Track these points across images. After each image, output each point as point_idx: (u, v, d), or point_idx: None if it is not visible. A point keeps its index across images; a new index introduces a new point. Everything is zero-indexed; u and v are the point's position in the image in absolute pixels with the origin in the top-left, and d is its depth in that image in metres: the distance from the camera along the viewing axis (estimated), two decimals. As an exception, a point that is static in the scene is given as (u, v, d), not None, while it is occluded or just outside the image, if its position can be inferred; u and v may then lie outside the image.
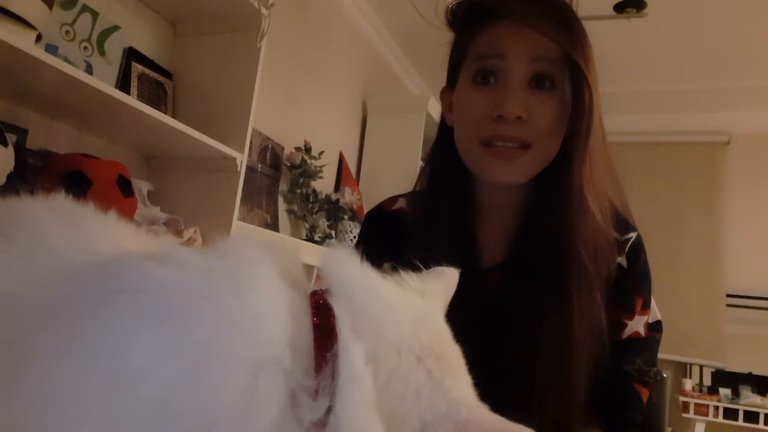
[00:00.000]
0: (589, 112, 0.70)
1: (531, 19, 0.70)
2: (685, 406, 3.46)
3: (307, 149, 2.41)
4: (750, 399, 3.37)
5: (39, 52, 1.07)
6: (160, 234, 1.45)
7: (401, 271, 0.43)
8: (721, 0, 2.60)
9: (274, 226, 2.29)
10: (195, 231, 1.57)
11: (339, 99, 2.87)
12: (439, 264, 0.48)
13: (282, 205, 2.40)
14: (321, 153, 2.45)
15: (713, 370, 3.59)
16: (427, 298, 0.42)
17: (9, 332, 0.34)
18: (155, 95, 1.68)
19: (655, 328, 0.80)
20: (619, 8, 2.66)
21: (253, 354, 0.32)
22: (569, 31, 0.71)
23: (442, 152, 0.84)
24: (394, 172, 2.74)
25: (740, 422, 3.33)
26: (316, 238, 2.40)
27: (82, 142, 1.51)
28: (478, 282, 0.77)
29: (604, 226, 0.73)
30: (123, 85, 1.59)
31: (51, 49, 1.37)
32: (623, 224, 0.79)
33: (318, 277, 0.41)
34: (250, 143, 1.76)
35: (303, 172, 2.38)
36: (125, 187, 1.35)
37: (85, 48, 1.50)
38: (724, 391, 3.46)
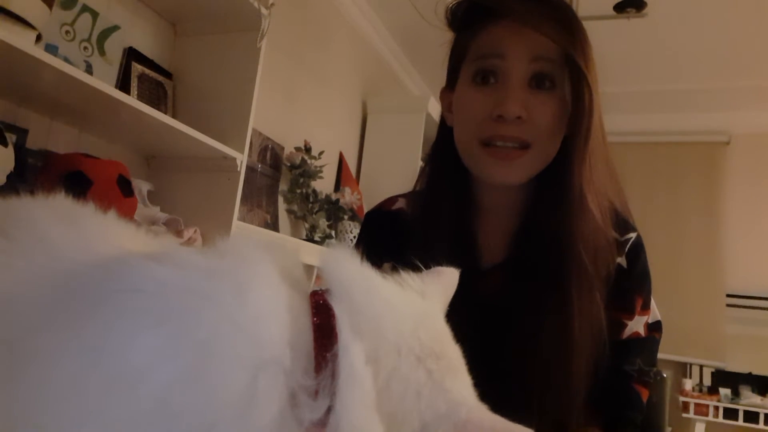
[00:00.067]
0: (589, 112, 0.70)
1: (531, 19, 0.70)
2: (685, 406, 3.46)
3: (307, 149, 2.41)
4: (750, 399, 3.37)
5: (39, 52, 1.07)
6: (160, 234, 1.45)
7: (401, 271, 0.43)
8: (721, 0, 2.60)
9: (274, 226, 2.29)
10: (195, 231, 1.57)
11: (339, 99, 2.87)
12: (439, 264, 0.48)
13: (282, 205, 2.40)
14: (321, 153, 2.45)
15: (713, 370, 3.59)
16: (427, 298, 0.42)
17: (9, 332, 0.34)
18: (155, 95, 1.68)
19: (654, 328, 0.80)
20: (619, 8, 2.66)
21: (253, 354, 0.32)
22: (569, 31, 0.71)
23: (442, 152, 0.84)
24: (394, 172, 2.74)
25: (740, 422, 3.33)
26: (316, 238, 2.40)
27: (82, 142, 1.51)
28: (478, 282, 0.77)
29: (603, 226, 0.73)
30: (123, 85, 1.59)
31: (51, 49, 1.37)
32: (623, 224, 0.79)
33: (318, 277, 0.41)
34: (250, 143, 1.76)
35: (303, 172, 2.38)
36: (125, 187, 1.35)
37: (85, 48, 1.50)
38: (724, 391, 3.46)
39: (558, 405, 0.71)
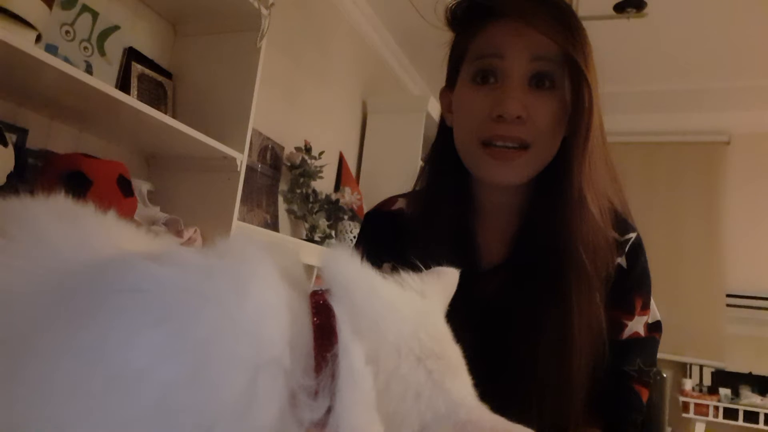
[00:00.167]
0: (588, 112, 0.70)
1: (531, 19, 0.70)
2: (685, 406, 3.46)
3: (307, 149, 2.41)
4: (750, 399, 3.37)
5: (39, 52, 1.07)
6: (160, 234, 1.45)
7: (401, 272, 0.43)
8: (721, 0, 2.60)
9: (274, 226, 2.29)
10: (195, 231, 1.57)
11: (339, 99, 2.87)
12: (439, 264, 0.48)
13: (282, 205, 2.40)
14: (321, 153, 2.45)
15: (713, 370, 3.59)
16: (427, 299, 0.42)
17: (9, 332, 0.34)
18: (155, 95, 1.68)
19: (654, 328, 0.80)
20: (619, 8, 2.66)
21: (253, 354, 0.32)
22: (569, 31, 0.71)
23: (442, 152, 0.84)
24: (394, 172, 2.74)
25: (740, 422, 3.33)
26: (316, 238, 2.40)
27: (82, 142, 1.51)
28: (478, 282, 0.78)
29: (603, 226, 0.73)
30: (123, 85, 1.59)
31: (51, 49, 1.37)
32: (623, 224, 0.79)
33: (318, 277, 0.41)
34: (250, 143, 1.76)
35: (303, 172, 2.38)
36: (125, 187, 1.35)
37: (85, 48, 1.50)
38: (724, 391, 3.46)
39: (558, 405, 0.71)
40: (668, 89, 3.58)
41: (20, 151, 1.28)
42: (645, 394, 0.77)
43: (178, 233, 1.53)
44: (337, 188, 2.74)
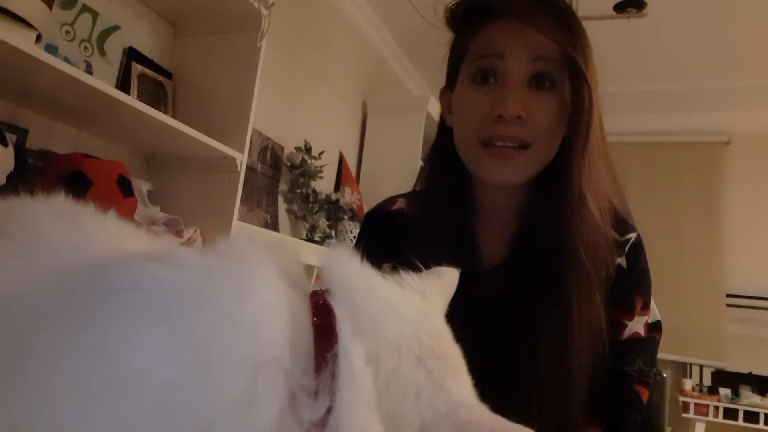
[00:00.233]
0: (588, 112, 0.70)
1: (530, 19, 0.70)
2: (685, 406, 3.46)
3: (307, 149, 2.41)
4: (750, 399, 3.37)
5: (39, 52, 1.07)
6: (160, 234, 1.45)
7: (401, 272, 0.43)
8: (721, 0, 2.60)
9: (274, 226, 2.29)
10: (195, 231, 1.57)
11: (339, 99, 2.87)
12: (439, 264, 0.48)
13: (282, 205, 2.40)
14: (321, 153, 2.45)
15: (713, 370, 3.59)
16: (427, 299, 0.42)
17: (9, 332, 0.34)
18: (155, 95, 1.68)
19: (654, 328, 0.80)
20: (619, 8, 2.66)
21: (253, 354, 0.32)
22: (569, 31, 0.71)
23: (442, 152, 0.84)
24: (394, 172, 2.74)
25: (740, 422, 3.33)
26: (316, 238, 2.40)
27: (82, 142, 1.51)
28: (478, 283, 0.78)
29: (603, 226, 0.73)
30: (123, 85, 1.59)
31: (51, 49, 1.37)
32: (623, 224, 0.79)
33: (318, 277, 0.41)
34: (250, 143, 1.76)
35: (303, 172, 2.38)
36: (125, 187, 1.35)
37: (85, 48, 1.50)
38: (724, 391, 3.46)
39: (558, 405, 0.71)
40: (668, 89, 3.58)
41: (20, 151, 1.28)
42: (645, 394, 0.77)
43: (178, 233, 1.53)
44: (337, 188, 2.74)
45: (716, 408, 3.39)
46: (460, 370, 0.38)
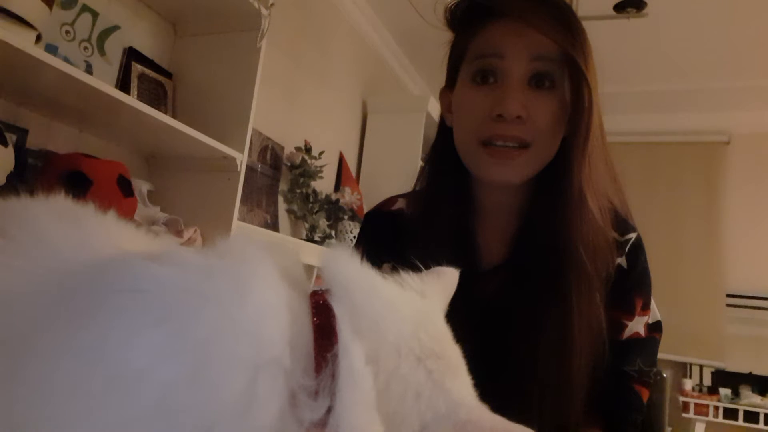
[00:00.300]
0: (588, 112, 0.70)
1: (530, 18, 0.70)
2: (685, 406, 3.46)
3: (307, 149, 2.41)
4: (750, 399, 3.37)
5: (39, 52, 1.07)
6: (160, 234, 1.45)
7: (401, 272, 0.43)
8: (721, 0, 2.60)
9: (274, 226, 2.29)
10: (195, 231, 1.57)
11: (339, 99, 2.87)
12: (439, 264, 0.48)
13: (282, 205, 2.40)
14: (321, 153, 2.45)
15: (713, 370, 3.59)
16: (427, 299, 0.42)
17: (8, 332, 0.34)
18: (155, 95, 1.68)
19: (654, 328, 0.80)
20: (619, 8, 2.66)
21: (253, 354, 0.32)
22: (569, 31, 0.71)
23: (442, 152, 0.84)
24: (394, 172, 2.74)
25: (740, 422, 3.33)
26: (316, 238, 2.40)
27: (82, 142, 1.51)
28: (478, 283, 0.78)
29: (603, 226, 0.73)
30: (123, 85, 1.59)
31: (51, 49, 1.37)
32: (623, 224, 0.79)
33: (318, 277, 0.41)
34: (250, 143, 1.76)
35: (303, 172, 2.38)
36: (125, 187, 1.35)
37: (85, 48, 1.50)
38: (724, 391, 3.46)
39: (558, 405, 0.71)
40: (668, 89, 3.58)
41: (20, 151, 1.28)
42: (645, 395, 0.77)
43: (178, 233, 1.53)
44: (337, 188, 2.74)
45: (716, 408, 3.39)
46: (460, 370, 0.38)
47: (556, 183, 0.74)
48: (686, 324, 3.53)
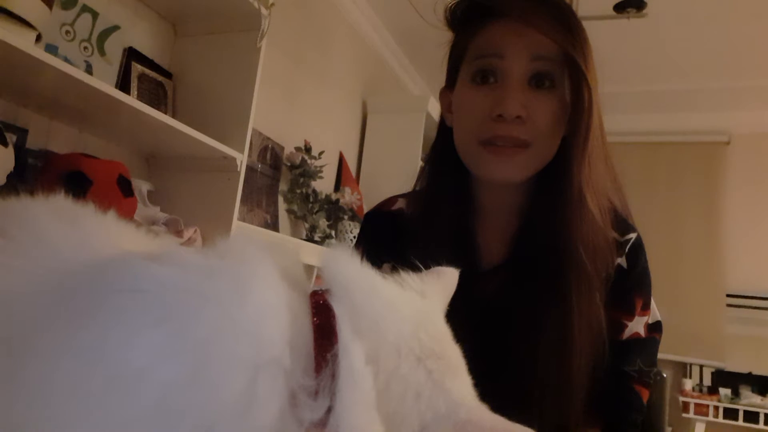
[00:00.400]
0: (588, 112, 0.70)
1: (530, 18, 0.70)
2: (685, 406, 3.46)
3: (307, 149, 2.41)
4: (750, 399, 3.37)
5: (39, 52, 1.07)
6: (160, 234, 1.45)
7: (401, 272, 0.43)
8: (721, 0, 2.60)
9: (274, 226, 2.29)
10: (195, 231, 1.57)
11: (339, 99, 2.87)
12: (439, 264, 0.48)
13: (282, 205, 2.40)
14: (321, 153, 2.45)
15: (713, 370, 3.59)
16: (427, 299, 0.42)
17: (8, 332, 0.34)
18: (155, 95, 1.68)
19: (654, 328, 0.80)
20: (619, 8, 2.66)
21: (253, 354, 0.32)
22: (569, 30, 0.71)
23: (442, 152, 0.84)
24: (394, 172, 2.74)
25: (740, 422, 3.33)
26: (316, 238, 2.40)
27: (82, 142, 1.51)
28: (478, 283, 0.78)
29: (603, 226, 0.73)
30: (123, 85, 1.59)
31: (51, 49, 1.37)
32: (623, 224, 0.79)
33: (318, 277, 0.41)
34: (250, 143, 1.76)
35: (303, 172, 2.38)
36: (125, 187, 1.35)
37: (85, 48, 1.50)
38: (724, 391, 3.46)
39: (558, 405, 0.71)
40: (668, 89, 3.58)
41: (20, 151, 1.28)
42: (645, 395, 0.77)
43: (178, 233, 1.53)
44: (337, 188, 2.74)
45: (716, 408, 3.39)
46: (460, 370, 0.38)
47: (556, 183, 0.74)
48: (686, 324, 3.53)
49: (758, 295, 3.54)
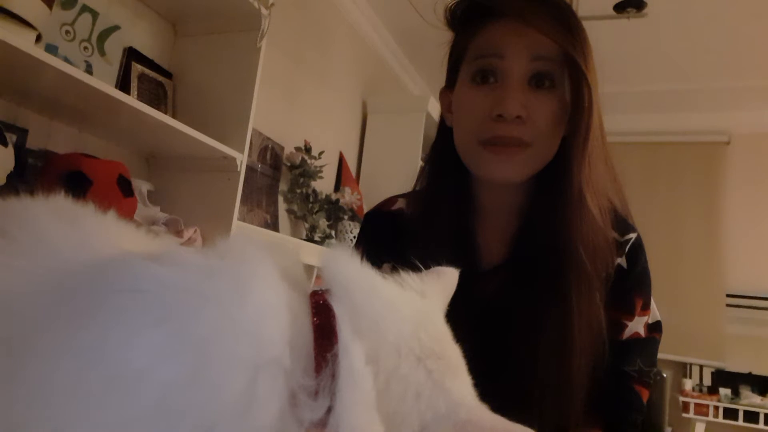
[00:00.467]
0: (588, 112, 0.70)
1: (530, 18, 0.70)
2: (685, 406, 3.46)
3: (307, 149, 2.41)
4: (750, 399, 3.37)
5: (39, 52, 1.07)
6: (160, 234, 1.45)
7: (401, 272, 0.43)
8: (721, 0, 2.60)
9: (274, 226, 2.29)
10: (195, 231, 1.57)
11: (339, 99, 2.87)
12: (439, 264, 0.48)
13: (282, 205, 2.40)
14: (321, 153, 2.45)
15: (713, 370, 3.59)
16: (427, 299, 0.42)
17: (8, 332, 0.34)
18: (155, 95, 1.68)
19: (654, 328, 0.80)
20: (619, 8, 2.66)
21: (253, 354, 0.32)
22: (569, 30, 0.71)
23: (442, 152, 0.83)
24: (394, 172, 2.74)
25: (740, 422, 3.33)
26: (316, 238, 2.40)
27: (82, 142, 1.51)
28: (478, 283, 0.77)
29: (603, 226, 0.73)
30: (123, 85, 1.59)
31: (51, 49, 1.37)
32: (623, 224, 0.79)
33: (318, 277, 0.41)
34: (250, 143, 1.76)
35: (303, 172, 2.38)
36: (125, 187, 1.35)
37: (85, 48, 1.50)
38: (724, 391, 3.46)
39: (558, 405, 0.71)
40: (668, 89, 3.58)
41: (20, 151, 1.28)
42: (645, 395, 0.77)
43: (178, 233, 1.53)
44: (337, 188, 2.74)
45: (716, 408, 3.39)
46: (460, 370, 0.38)
47: (556, 183, 0.74)
48: (686, 324, 3.53)
49: (758, 295, 3.54)
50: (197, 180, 1.65)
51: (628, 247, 0.78)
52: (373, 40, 3.14)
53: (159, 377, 0.30)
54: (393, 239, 0.82)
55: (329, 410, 0.32)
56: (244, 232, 1.86)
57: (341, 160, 2.85)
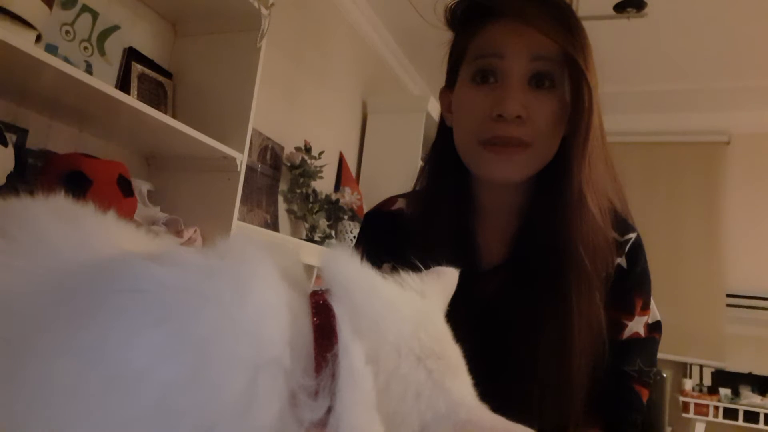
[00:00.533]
0: (588, 112, 0.70)
1: (530, 18, 0.70)
2: (685, 406, 3.46)
3: (307, 149, 2.41)
4: (750, 399, 3.37)
5: (39, 52, 1.07)
6: (160, 234, 1.45)
7: (401, 272, 0.43)
8: (722, 0, 2.60)
9: (274, 226, 2.29)
10: (195, 231, 1.57)
11: (339, 99, 2.87)
12: (439, 264, 0.48)
13: (282, 205, 2.40)
14: (321, 153, 2.45)
15: (713, 370, 3.59)
16: (427, 299, 0.42)
17: (9, 332, 0.34)
18: (155, 95, 1.68)
19: (654, 328, 0.80)
20: (619, 8, 2.67)
21: (253, 354, 0.32)
22: (569, 30, 0.71)
23: (442, 152, 0.83)
24: (394, 172, 2.74)
25: (740, 422, 3.33)
26: (316, 238, 2.40)
27: (82, 142, 1.51)
28: (478, 283, 0.77)
29: (603, 226, 0.73)
30: (123, 85, 1.59)
31: (51, 49, 1.37)
32: (623, 224, 0.79)
33: (318, 277, 0.41)
34: (250, 143, 1.76)
35: (303, 172, 2.38)
36: (125, 187, 1.35)
37: (85, 48, 1.50)
38: (724, 391, 3.46)
39: (558, 405, 0.71)
40: (668, 89, 3.58)
41: (20, 151, 1.28)
42: (645, 395, 0.77)
43: (178, 233, 1.53)
44: (337, 188, 2.74)
45: (716, 408, 3.39)
46: (460, 370, 0.38)
47: (556, 183, 0.74)
48: (686, 324, 3.53)
49: (758, 295, 3.54)
50: (197, 180, 1.65)
51: (628, 247, 0.78)
52: (373, 40, 3.14)
53: (159, 377, 0.30)
54: (393, 239, 0.82)
55: (329, 410, 0.32)
56: (244, 232, 1.86)
57: (341, 160, 2.85)
